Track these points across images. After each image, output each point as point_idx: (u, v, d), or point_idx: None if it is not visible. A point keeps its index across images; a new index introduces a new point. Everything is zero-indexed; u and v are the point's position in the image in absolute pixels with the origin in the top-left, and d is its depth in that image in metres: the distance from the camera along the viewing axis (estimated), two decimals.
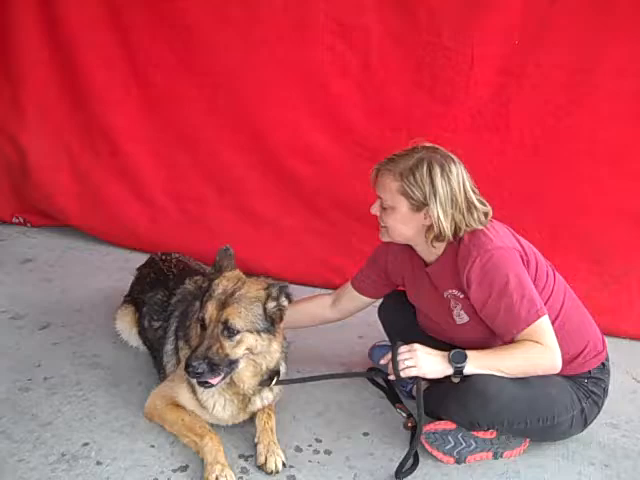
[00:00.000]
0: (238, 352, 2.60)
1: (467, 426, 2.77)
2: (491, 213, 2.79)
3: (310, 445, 2.86)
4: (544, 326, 2.63)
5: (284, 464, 2.69)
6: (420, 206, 2.69)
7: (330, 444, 2.87)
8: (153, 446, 2.75)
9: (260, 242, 4.13)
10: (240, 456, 2.74)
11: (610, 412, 3.09)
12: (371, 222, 4.24)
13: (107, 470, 2.59)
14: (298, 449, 2.82)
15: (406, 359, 2.66)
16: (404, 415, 3.08)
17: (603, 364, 2.88)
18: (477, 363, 2.64)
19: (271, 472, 2.64)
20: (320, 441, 2.89)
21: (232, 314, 2.56)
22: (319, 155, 4.31)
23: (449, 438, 2.78)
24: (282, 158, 4.38)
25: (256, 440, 2.77)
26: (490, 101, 3.96)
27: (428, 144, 2.79)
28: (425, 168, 2.67)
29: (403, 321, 3.19)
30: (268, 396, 2.88)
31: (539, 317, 2.62)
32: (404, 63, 4.03)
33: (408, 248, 2.95)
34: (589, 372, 2.83)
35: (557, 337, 2.66)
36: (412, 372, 2.65)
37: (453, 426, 2.80)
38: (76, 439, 2.74)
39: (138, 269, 3.60)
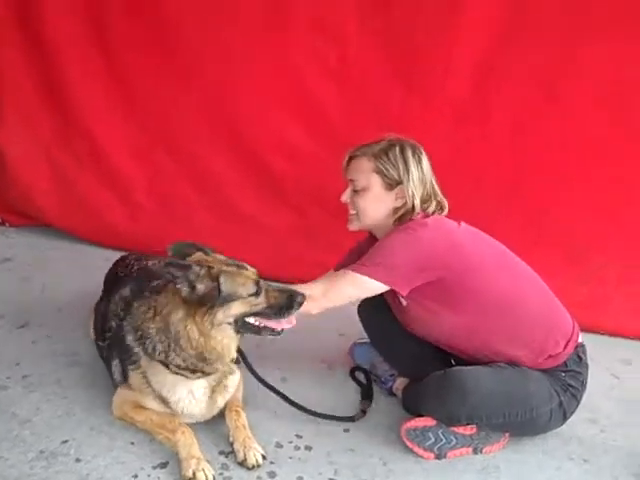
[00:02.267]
0: None
1: (446, 422, 2.79)
2: (446, 208, 2.93)
3: (290, 441, 2.86)
4: (349, 278, 2.78)
5: (264, 457, 2.70)
6: (393, 184, 2.84)
7: (311, 440, 2.88)
8: (132, 443, 2.74)
9: (242, 240, 4.11)
10: (220, 452, 2.74)
11: (589, 408, 3.12)
12: None
13: (86, 467, 2.58)
14: (278, 445, 2.83)
15: None
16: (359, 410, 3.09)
17: (579, 357, 2.90)
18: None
19: (253, 466, 2.65)
20: (301, 437, 2.89)
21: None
22: (298, 151, 4.33)
23: (429, 434, 2.80)
24: (262, 155, 4.39)
25: (231, 439, 2.76)
26: (468, 96, 3.99)
27: (394, 135, 2.93)
28: (397, 149, 2.85)
29: (383, 320, 3.19)
30: (235, 377, 2.90)
31: (358, 274, 2.75)
32: (382, 59, 4.05)
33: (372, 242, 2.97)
34: (565, 365, 2.85)
35: (519, 319, 2.79)
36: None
37: (433, 422, 2.81)
38: (55, 436, 2.73)
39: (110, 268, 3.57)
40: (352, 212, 2.95)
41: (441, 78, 3.97)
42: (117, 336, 2.89)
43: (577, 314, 3.03)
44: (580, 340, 2.93)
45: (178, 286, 2.60)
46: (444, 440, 2.80)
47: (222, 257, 2.78)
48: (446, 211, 2.93)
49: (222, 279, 2.59)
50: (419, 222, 2.79)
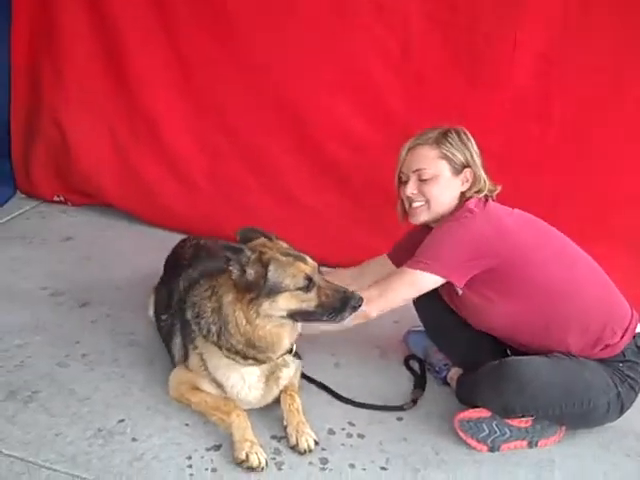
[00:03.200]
0: None
1: (502, 413, 2.76)
2: (498, 187, 2.95)
3: (343, 429, 2.87)
4: (407, 277, 2.78)
5: (316, 442, 2.72)
6: (460, 169, 2.86)
7: (363, 428, 2.88)
8: (187, 424, 2.79)
9: (298, 226, 4.09)
10: (272, 437, 2.77)
11: None
12: None
13: (142, 447, 2.64)
14: (331, 432, 2.84)
15: None
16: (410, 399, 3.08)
17: (638, 347, 2.82)
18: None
19: (304, 451, 2.67)
20: (353, 425, 2.90)
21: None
22: (358, 140, 4.27)
23: (483, 426, 2.77)
24: (321, 143, 4.35)
25: (285, 423, 2.78)
26: (532, 88, 3.87)
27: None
28: (454, 134, 2.87)
29: (437, 309, 3.15)
30: (289, 371, 2.89)
31: (415, 269, 2.76)
32: (444, 48, 3.95)
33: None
34: (623, 355, 2.79)
35: (575, 308, 2.75)
36: None
37: (488, 414, 2.79)
38: (112, 415, 2.79)
39: (172, 251, 3.61)
40: (419, 204, 2.90)
41: (505, 69, 3.86)
42: (179, 311, 2.94)
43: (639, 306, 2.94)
44: (634, 326, 2.85)
45: (230, 268, 2.61)
46: (498, 432, 2.77)
47: (284, 245, 2.77)
48: (499, 190, 2.95)
49: (271, 267, 2.57)
50: (468, 210, 2.80)
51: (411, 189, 2.89)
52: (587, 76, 3.79)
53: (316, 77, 4.22)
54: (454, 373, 3.17)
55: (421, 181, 2.86)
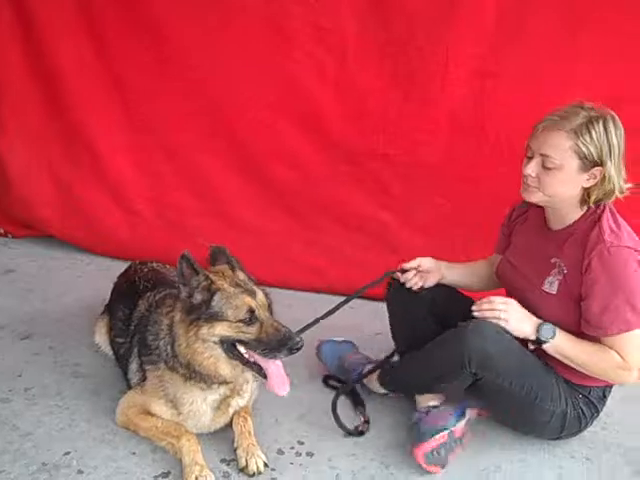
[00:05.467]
0: None
1: (457, 365, 2.67)
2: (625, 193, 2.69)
3: (292, 447, 2.87)
4: (634, 339, 2.59)
5: (266, 464, 2.70)
6: (590, 166, 2.58)
7: (312, 446, 2.88)
8: (134, 453, 2.75)
9: (241, 247, 4.08)
10: (222, 460, 2.75)
11: None
12: (351, 224, 4.28)
13: (88, 479, 2.60)
14: (280, 452, 2.83)
15: (500, 309, 2.66)
16: (361, 419, 3.06)
17: (604, 394, 2.85)
18: (559, 346, 2.65)
19: (253, 474, 2.66)
20: (302, 443, 2.90)
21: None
22: (298, 159, 4.32)
23: (442, 451, 2.74)
24: (261, 162, 4.38)
25: (235, 445, 2.77)
26: (466, 102, 3.96)
27: (590, 103, 2.65)
28: (601, 125, 2.55)
29: (408, 299, 3.12)
30: (244, 396, 2.90)
31: (630, 329, 2.57)
32: (380, 65, 4.03)
33: (535, 212, 2.91)
34: (589, 390, 2.81)
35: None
36: (500, 322, 2.65)
37: (445, 438, 2.76)
38: (57, 449, 2.74)
39: (118, 277, 3.59)
40: (534, 185, 2.69)
41: (439, 84, 3.94)
42: (139, 333, 2.95)
43: None
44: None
45: (180, 287, 2.65)
46: (449, 447, 2.77)
47: (241, 276, 2.76)
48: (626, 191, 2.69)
49: (217, 297, 2.60)
50: (610, 231, 2.60)
51: (531, 169, 2.67)
52: (520, 88, 3.88)
53: (255, 97, 4.26)
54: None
55: (544, 167, 2.64)
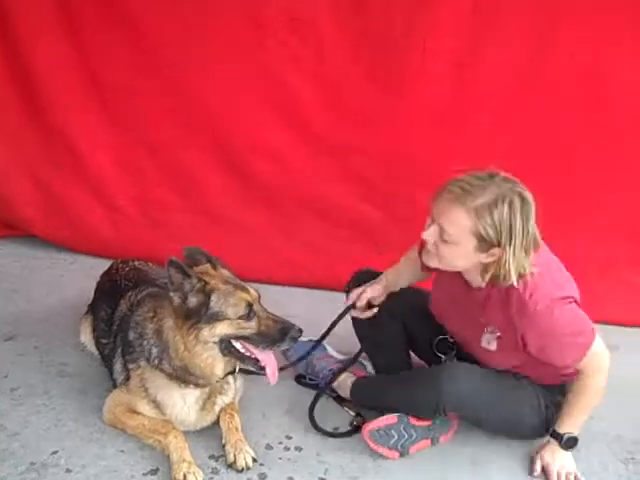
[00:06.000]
0: None
1: (431, 410, 2.75)
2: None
3: (280, 442, 2.89)
4: (596, 349, 2.60)
5: (254, 459, 2.72)
6: (488, 247, 2.46)
7: (300, 440, 2.91)
8: (122, 451, 2.76)
9: (224, 242, 4.08)
10: (210, 457, 2.76)
11: None
12: (332, 218, 4.29)
13: (77, 477, 2.60)
14: (268, 447, 2.85)
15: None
16: (352, 414, 3.08)
17: None
18: (576, 427, 2.75)
19: (242, 469, 2.67)
20: (290, 438, 2.92)
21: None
22: (278, 151, 4.32)
23: (392, 432, 2.79)
24: (242, 156, 4.38)
25: (223, 441, 2.79)
26: (444, 93, 3.99)
27: (503, 173, 2.50)
28: (505, 211, 2.40)
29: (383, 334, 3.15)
30: (228, 393, 2.93)
31: (591, 343, 2.59)
32: (358, 56, 4.03)
33: None
34: (563, 385, 2.82)
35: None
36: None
37: (394, 420, 2.81)
38: (45, 448, 2.74)
39: (100, 276, 3.58)
40: (432, 250, 2.58)
41: (416, 76, 3.96)
42: (121, 332, 2.94)
43: None
44: None
45: (171, 294, 2.62)
46: (406, 436, 2.80)
47: (226, 273, 2.79)
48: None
49: (214, 297, 2.61)
50: (548, 295, 2.54)
51: (429, 235, 2.54)
52: (499, 79, 3.90)
53: (233, 92, 4.25)
54: (345, 378, 3.16)
55: (441, 238, 2.51)
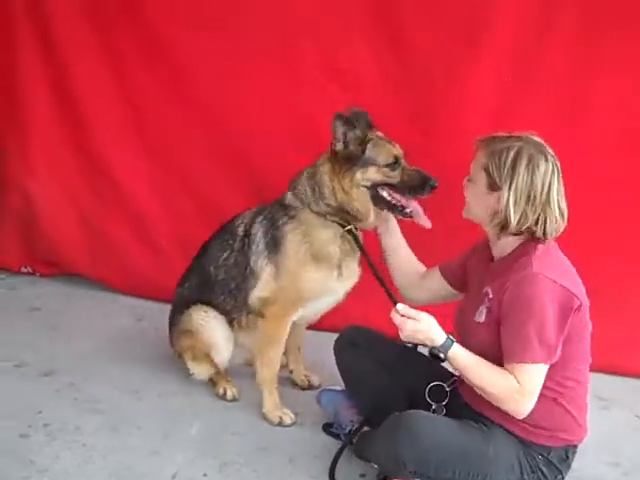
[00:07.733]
0: None
1: (393, 467, 2.62)
2: (562, 230, 2.64)
3: None
4: (533, 374, 2.51)
5: None
6: (495, 187, 2.61)
7: None
8: None
9: None
10: None
11: (611, 450, 3.17)
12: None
13: None
14: None
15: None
16: (375, 466, 2.92)
17: (567, 456, 2.68)
18: (456, 352, 2.58)
19: None
20: None
21: None
22: None
23: None
24: (277, 196, 4.39)
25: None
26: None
27: (534, 137, 2.67)
28: (512, 154, 2.58)
29: (356, 353, 3.13)
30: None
31: (535, 362, 2.49)
32: (399, 106, 4.06)
33: (487, 246, 2.85)
34: (549, 451, 2.64)
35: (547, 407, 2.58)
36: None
37: None
38: None
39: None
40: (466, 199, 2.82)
41: (456, 126, 3.95)
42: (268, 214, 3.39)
43: (599, 355, 2.82)
44: (576, 443, 2.71)
45: (334, 142, 3.08)
46: None
47: (379, 134, 3.19)
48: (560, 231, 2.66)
49: (370, 145, 3.09)
50: (547, 273, 2.52)
51: (465, 181, 2.80)
52: (541, 123, 3.87)
53: (272, 136, 4.29)
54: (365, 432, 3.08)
55: (468, 180, 2.78)
